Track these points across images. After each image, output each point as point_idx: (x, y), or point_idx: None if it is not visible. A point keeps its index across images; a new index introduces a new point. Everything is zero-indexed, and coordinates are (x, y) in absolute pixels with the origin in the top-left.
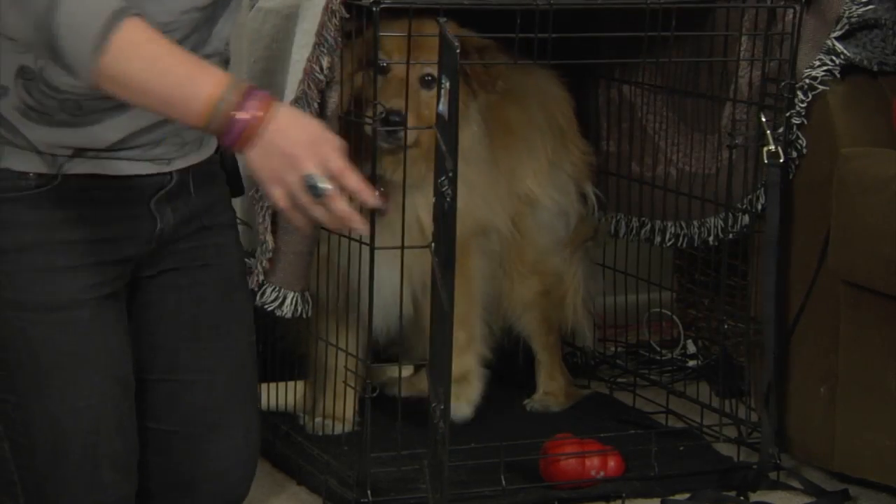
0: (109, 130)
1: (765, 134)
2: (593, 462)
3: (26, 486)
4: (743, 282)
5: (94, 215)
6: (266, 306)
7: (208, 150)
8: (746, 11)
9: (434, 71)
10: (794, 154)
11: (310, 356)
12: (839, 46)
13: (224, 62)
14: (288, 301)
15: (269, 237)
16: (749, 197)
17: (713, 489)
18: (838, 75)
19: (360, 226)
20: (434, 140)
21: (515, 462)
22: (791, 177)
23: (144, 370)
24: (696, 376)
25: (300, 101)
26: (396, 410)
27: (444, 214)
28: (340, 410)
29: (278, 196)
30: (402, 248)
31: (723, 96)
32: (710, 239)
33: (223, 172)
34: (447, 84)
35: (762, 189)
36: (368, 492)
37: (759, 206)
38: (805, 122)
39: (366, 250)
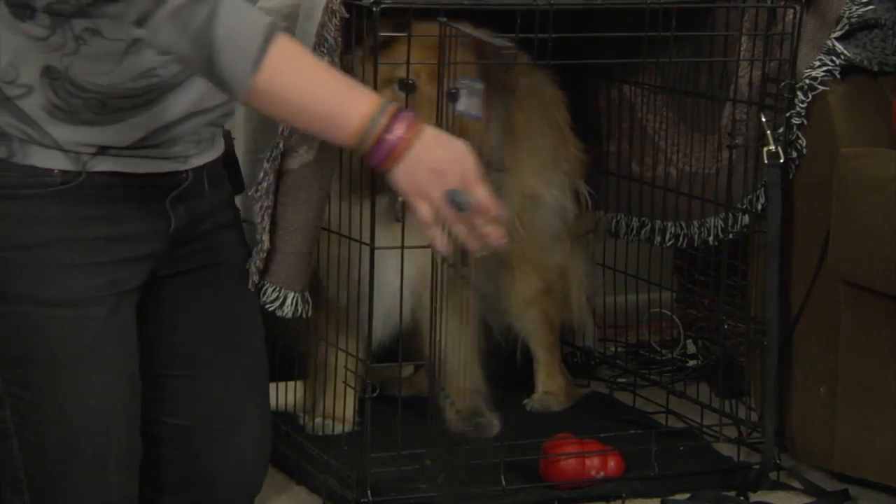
0: (131, 129)
1: (765, 134)
2: (593, 462)
3: (33, 483)
4: (743, 282)
5: (113, 213)
6: (267, 306)
7: (220, 149)
8: (746, 11)
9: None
10: (794, 154)
11: (310, 356)
12: (839, 47)
13: None
14: (289, 301)
15: (265, 237)
16: (749, 197)
17: (713, 489)
18: (838, 76)
19: (501, 242)
20: None
21: (515, 462)
22: (791, 177)
23: (162, 366)
24: (696, 376)
25: None
26: (396, 410)
27: None
28: (340, 410)
29: (424, 211)
30: (402, 248)
31: (723, 96)
32: (710, 239)
33: (226, 171)
34: (477, 85)
35: (762, 189)
36: (368, 492)
37: (759, 206)
38: (805, 122)
39: (366, 251)
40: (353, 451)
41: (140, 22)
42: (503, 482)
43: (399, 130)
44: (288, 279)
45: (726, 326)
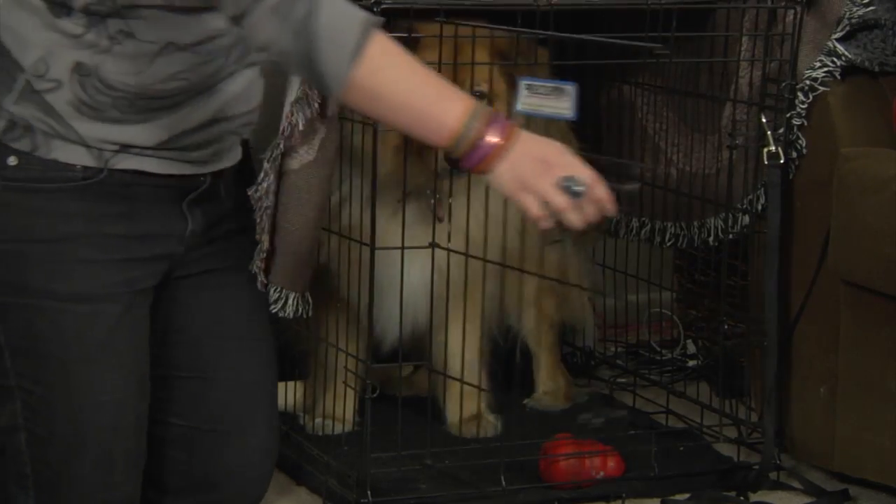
0: (156, 129)
1: (765, 134)
2: (593, 462)
3: (39, 479)
4: (743, 282)
5: (132, 211)
6: (269, 306)
7: (238, 156)
8: (747, 12)
9: (483, 88)
10: (795, 154)
11: (310, 356)
12: (840, 48)
13: None
14: (290, 302)
15: (265, 237)
16: (749, 197)
17: (713, 489)
18: (839, 76)
19: (613, 211)
20: None
21: (515, 462)
22: (791, 177)
23: (172, 367)
24: (696, 376)
25: (301, 102)
26: (396, 410)
27: None
28: (340, 410)
29: (530, 203)
30: (402, 248)
31: (723, 97)
32: (710, 239)
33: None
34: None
35: (762, 189)
36: (368, 492)
37: (759, 207)
38: (805, 122)
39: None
40: (353, 451)
41: (237, 18)
42: (503, 482)
43: (496, 135)
44: (289, 280)
45: (726, 326)
